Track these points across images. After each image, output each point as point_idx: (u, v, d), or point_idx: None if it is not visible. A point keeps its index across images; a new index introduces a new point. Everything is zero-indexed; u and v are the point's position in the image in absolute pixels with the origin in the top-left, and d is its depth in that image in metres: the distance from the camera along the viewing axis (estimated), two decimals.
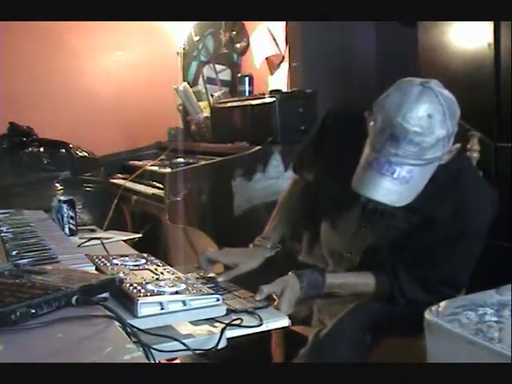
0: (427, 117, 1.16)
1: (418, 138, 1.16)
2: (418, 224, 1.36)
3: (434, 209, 1.33)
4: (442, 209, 1.33)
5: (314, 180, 1.60)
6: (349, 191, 1.28)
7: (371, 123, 1.25)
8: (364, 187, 1.23)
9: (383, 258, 1.45)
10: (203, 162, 2.29)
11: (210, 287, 1.28)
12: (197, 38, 3.17)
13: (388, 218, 1.39)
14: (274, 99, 2.24)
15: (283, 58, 2.82)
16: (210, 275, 1.53)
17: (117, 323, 0.87)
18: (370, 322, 1.38)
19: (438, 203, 1.33)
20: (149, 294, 1.09)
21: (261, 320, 1.22)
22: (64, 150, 2.64)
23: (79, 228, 1.99)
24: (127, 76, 3.16)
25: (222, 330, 1.12)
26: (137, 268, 1.32)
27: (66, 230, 1.89)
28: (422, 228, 1.36)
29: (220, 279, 1.49)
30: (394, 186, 1.19)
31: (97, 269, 1.26)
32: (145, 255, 1.46)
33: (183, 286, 1.16)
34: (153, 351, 0.95)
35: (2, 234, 1.48)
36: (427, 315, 1.06)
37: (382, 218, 1.41)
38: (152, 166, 2.73)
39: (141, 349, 0.86)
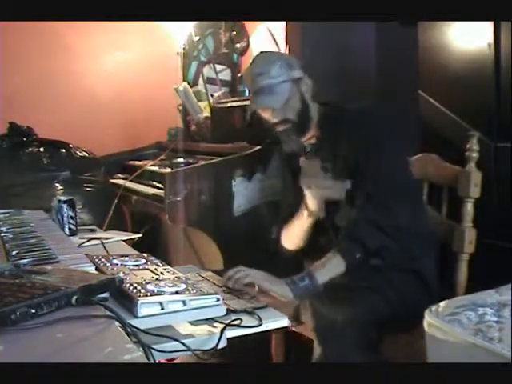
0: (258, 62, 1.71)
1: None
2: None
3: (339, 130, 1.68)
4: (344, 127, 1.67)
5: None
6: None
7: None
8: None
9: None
10: (203, 162, 2.29)
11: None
12: (197, 38, 3.16)
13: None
14: None
15: None
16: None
17: (117, 323, 0.87)
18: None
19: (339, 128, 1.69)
20: (149, 294, 1.09)
21: (260, 320, 1.22)
22: (64, 150, 2.63)
23: (79, 228, 1.99)
24: (127, 76, 3.16)
25: (222, 330, 1.12)
26: (137, 268, 1.32)
27: (66, 230, 1.89)
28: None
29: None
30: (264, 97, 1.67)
31: (97, 269, 1.26)
32: (145, 255, 1.46)
33: (183, 286, 1.16)
34: (153, 351, 0.95)
35: (2, 234, 1.48)
36: (427, 315, 1.06)
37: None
38: (152, 165, 2.72)
39: (141, 349, 0.86)
